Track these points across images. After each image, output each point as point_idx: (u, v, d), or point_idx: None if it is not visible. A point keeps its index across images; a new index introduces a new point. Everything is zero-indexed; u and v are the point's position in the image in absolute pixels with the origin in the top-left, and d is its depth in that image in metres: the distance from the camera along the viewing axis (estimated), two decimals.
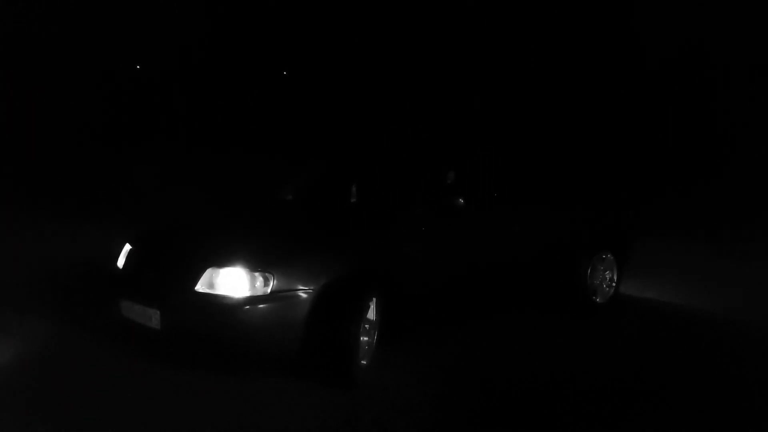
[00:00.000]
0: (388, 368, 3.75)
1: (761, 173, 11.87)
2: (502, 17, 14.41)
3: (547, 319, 5.00)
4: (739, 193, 11.39)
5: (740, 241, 8.67)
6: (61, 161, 12.92)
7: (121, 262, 3.98)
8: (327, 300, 3.42)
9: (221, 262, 3.41)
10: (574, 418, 3.28)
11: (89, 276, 5.29)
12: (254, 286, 3.33)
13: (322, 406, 3.28)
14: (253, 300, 3.32)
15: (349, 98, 15.25)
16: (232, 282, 3.34)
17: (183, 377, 3.56)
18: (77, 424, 3.03)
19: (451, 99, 14.82)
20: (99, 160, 13.31)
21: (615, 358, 4.21)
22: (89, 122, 14.40)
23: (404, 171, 4.79)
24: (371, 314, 3.67)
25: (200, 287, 3.39)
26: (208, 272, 3.40)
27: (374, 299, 3.67)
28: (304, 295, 3.39)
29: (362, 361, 3.57)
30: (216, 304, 3.33)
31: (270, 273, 3.36)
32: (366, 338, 3.62)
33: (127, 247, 4.03)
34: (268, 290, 3.34)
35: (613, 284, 5.31)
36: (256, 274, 3.35)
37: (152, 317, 3.48)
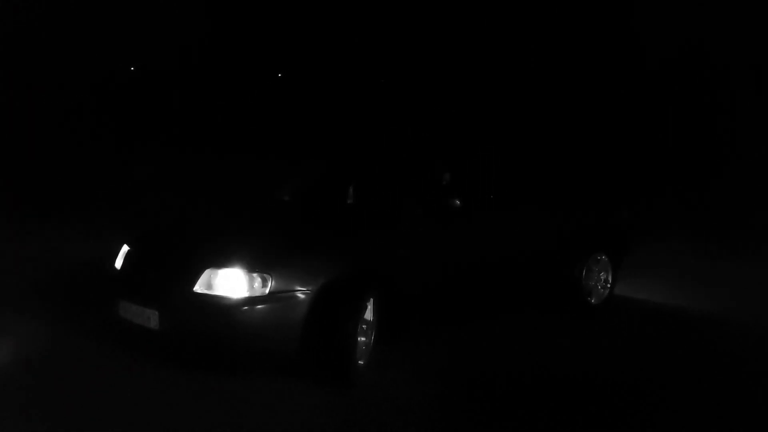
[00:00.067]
0: (385, 368, 3.78)
1: (761, 174, 11.92)
2: (501, 17, 14.45)
3: (542, 319, 5.04)
4: (738, 193, 11.45)
5: (737, 242, 8.72)
6: (59, 162, 12.91)
7: (118, 263, 3.99)
8: (325, 300, 3.45)
9: (220, 262, 3.44)
10: (572, 418, 3.31)
11: (87, 277, 5.30)
12: (252, 287, 3.36)
13: (320, 406, 3.30)
14: (251, 301, 3.35)
15: (346, 99, 15.27)
16: (230, 283, 3.37)
17: (181, 378, 3.58)
18: (77, 424, 3.04)
19: (448, 100, 14.86)
20: (97, 160, 13.30)
21: (611, 358, 4.25)
22: (87, 122, 14.39)
23: (401, 172, 4.82)
24: (368, 314, 3.70)
25: (199, 288, 3.41)
26: (207, 273, 3.42)
27: (371, 300, 3.70)
28: (302, 296, 3.42)
29: (360, 361, 3.60)
30: (214, 304, 3.36)
31: (268, 274, 3.39)
32: (363, 338, 3.65)
33: (125, 248, 4.04)
34: (267, 291, 3.37)
35: (608, 285, 5.35)
36: (255, 274, 3.38)
37: (150, 318, 3.50)
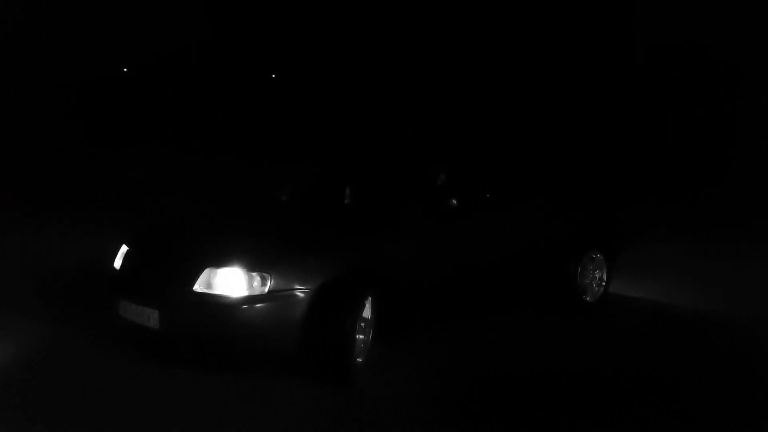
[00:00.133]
0: (384, 366, 3.82)
1: (759, 173, 12.00)
2: (497, 16, 14.49)
3: (538, 318, 5.08)
4: (734, 193, 11.53)
5: (734, 242, 8.80)
6: (58, 162, 12.90)
7: (118, 263, 4.01)
8: (323, 299, 3.48)
9: (219, 262, 3.46)
10: (571, 416, 3.34)
11: (86, 277, 5.31)
12: (252, 286, 3.39)
13: (319, 404, 3.33)
14: (250, 299, 3.37)
15: (343, 100, 15.29)
16: (229, 282, 3.40)
17: (181, 377, 3.59)
18: (77, 424, 3.05)
19: (444, 100, 14.89)
20: (95, 160, 13.29)
21: (608, 356, 4.30)
22: (85, 123, 14.36)
23: (398, 172, 4.86)
24: (367, 313, 3.73)
25: (198, 287, 3.44)
26: (206, 272, 3.45)
27: (370, 298, 3.73)
28: (301, 295, 3.45)
29: (358, 359, 3.63)
30: (214, 303, 3.39)
31: (267, 273, 3.41)
32: (362, 336, 3.68)
33: (124, 247, 4.06)
34: (266, 290, 3.40)
35: (603, 283, 5.40)
36: (254, 273, 3.41)
37: (150, 317, 3.52)
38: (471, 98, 14.71)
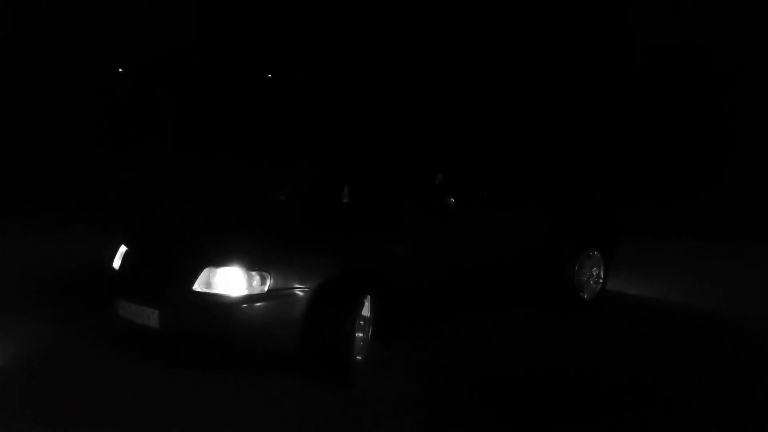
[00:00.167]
0: (383, 364, 3.84)
1: (758, 173, 12.05)
2: (496, 15, 14.50)
3: (536, 315, 5.11)
4: (734, 193, 11.58)
5: (731, 240, 8.85)
6: (56, 163, 12.89)
7: (116, 263, 4.01)
8: (323, 298, 3.49)
9: (218, 261, 3.47)
10: (569, 413, 3.35)
11: (85, 277, 5.32)
12: (251, 285, 3.40)
13: (319, 402, 3.34)
14: (250, 298, 3.38)
15: (341, 100, 15.29)
16: (229, 281, 3.41)
17: (181, 376, 3.60)
18: (77, 424, 3.05)
19: (441, 99, 14.91)
20: (94, 161, 13.28)
21: (606, 353, 4.33)
22: (83, 124, 14.35)
23: (396, 171, 4.88)
24: (366, 311, 3.75)
25: (198, 286, 3.44)
26: (206, 272, 3.46)
27: (369, 297, 3.75)
28: (300, 294, 3.47)
29: (358, 357, 3.64)
30: (214, 302, 3.39)
31: (266, 272, 3.43)
32: (361, 335, 3.69)
33: (123, 247, 4.07)
34: (265, 289, 3.41)
35: (600, 281, 5.43)
36: (253, 273, 3.42)
37: (150, 317, 3.52)
38: (469, 97, 14.73)
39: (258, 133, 15.03)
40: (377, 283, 3.81)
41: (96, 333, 4.18)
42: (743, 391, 3.69)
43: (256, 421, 3.14)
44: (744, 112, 13.16)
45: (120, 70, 16.41)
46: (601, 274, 5.43)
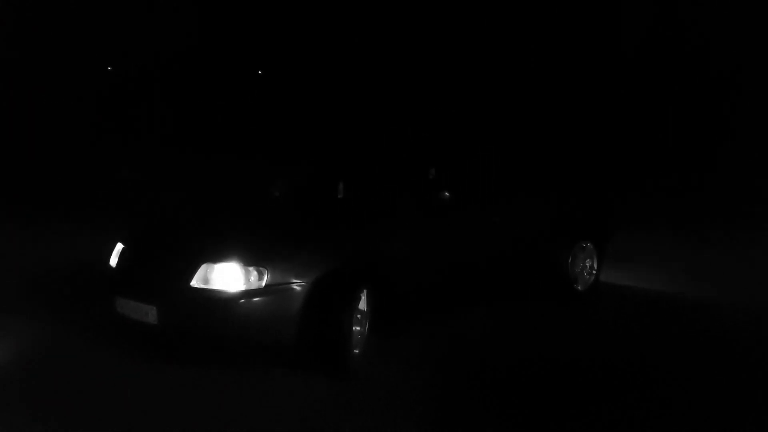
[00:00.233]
0: (380, 357, 3.87)
1: (750, 166, 12.13)
2: (487, 10, 14.51)
3: (531, 307, 5.16)
4: (724, 184, 11.66)
5: (722, 232, 8.93)
6: (52, 162, 12.85)
7: (114, 261, 4.03)
8: (320, 292, 3.52)
9: (216, 257, 3.50)
10: (563, 403, 3.39)
11: (82, 275, 5.32)
12: (249, 281, 3.43)
13: (317, 396, 3.37)
14: (248, 294, 3.41)
15: (335, 96, 15.28)
16: (227, 277, 3.43)
17: (180, 371, 3.63)
18: (77, 423, 3.03)
19: (435, 94, 14.93)
20: (89, 160, 13.25)
21: (601, 343, 4.39)
22: (78, 123, 14.30)
23: (391, 166, 4.91)
24: (363, 305, 3.78)
25: (196, 282, 3.47)
26: (203, 268, 3.48)
27: (365, 290, 3.78)
28: (297, 288, 3.50)
29: (355, 351, 3.67)
30: (212, 298, 3.42)
31: (264, 267, 3.45)
32: (358, 328, 3.73)
33: (120, 245, 4.09)
34: (263, 284, 3.44)
35: (594, 272, 5.49)
36: (251, 268, 3.44)
37: (148, 313, 3.54)
38: (463, 92, 14.75)
39: (253, 131, 15.01)
40: (374, 278, 3.85)
41: (95, 331, 4.19)
42: (733, 377, 3.74)
43: (254, 413, 3.16)
44: (739, 107, 13.22)
45: (109, 68, 16.30)
46: (595, 266, 5.49)
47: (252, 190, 5.55)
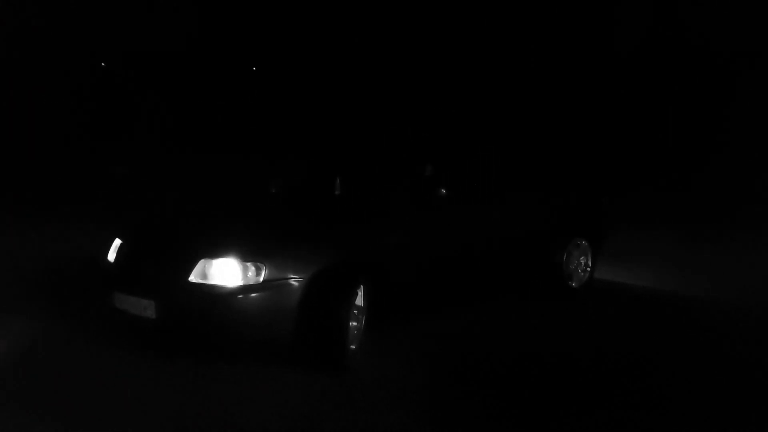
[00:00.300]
0: (376, 352, 3.90)
1: (744, 164, 12.19)
2: (486, 9, 14.51)
3: (526, 304, 5.20)
4: (719, 185, 11.72)
5: (717, 230, 8.99)
6: (48, 159, 12.82)
7: (111, 256, 4.05)
8: (317, 288, 3.55)
9: (214, 252, 3.52)
10: (558, 398, 3.43)
11: (79, 271, 5.33)
12: (247, 276, 3.46)
13: (315, 390, 3.39)
14: (246, 289, 3.44)
15: (332, 93, 15.27)
16: (225, 272, 3.46)
17: (178, 366, 3.64)
18: (76, 423, 3.01)
19: (431, 92, 14.93)
20: (84, 157, 13.22)
21: (595, 338, 4.43)
22: (70, 120, 14.26)
23: (387, 163, 4.94)
24: (359, 300, 3.81)
25: (194, 278, 3.50)
26: (201, 263, 3.51)
27: (362, 286, 3.81)
28: (295, 284, 3.52)
29: (352, 346, 3.71)
30: (210, 293, 3.44)
31: (262, 263, 3.48)
32: (355, 323, 3.76)
33: (117, 241, 4.11)
34: (260, 279, 3.47)
35: (588, 269, 5.54)
36: (249, 263, 3.47)
37: (147, 308, 3.56)
38: (459, 90, 14.77)
39: (250, 127, 15.01)
40: (371, 273, 3.88)
41: (93, 327, 4.20)
42: (731, 374, 3.79)
43: (252, 408, 3.18)
44: (738, 106, 13.25)
45: (103, 64, 16.23)
46: (589, 263, 5.54)
47: (250, 186, 5.57)
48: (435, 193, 4.30)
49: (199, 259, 3.52)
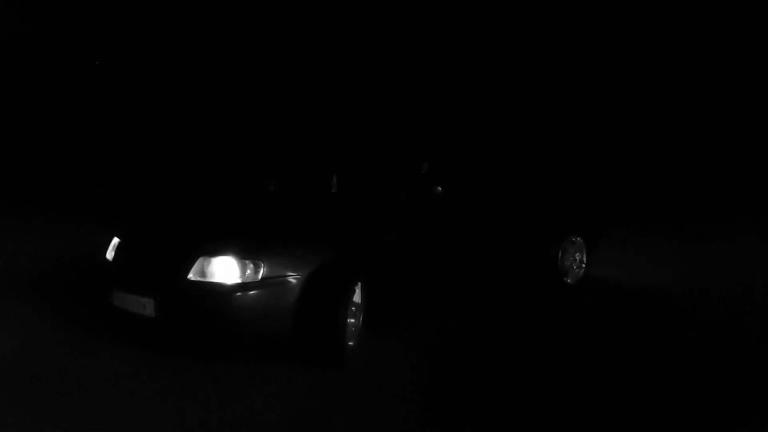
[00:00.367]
0: (374, 349, 3.94)
1: (750, 166, 12.23)
2: (483, 7, 14.50)
3: (521, 299, 5.25)
4: (723, 184, 11.78)
5: (715, 228, 9.06)
6: (44, 159, 12.80)
7: (110, 255, 4.08)
8: (315, 285, 3.59)
9: (213, 251, 3.55)
10: (552, 393, 3.46)
11: (78, 270, 5.35)
12: (245, 274, 3.49)
13: (312, 387, 3.42)
14: (244, 287, 3.48)
15: (329, 92, 15.26)
16: (224, 270, 3.49)
17: (176, 364, 3.67)
18: (76, 422, 3.00)
19: (428, 90, 14.94)
20: (81, 157, 13.20)
21: (590, 332, 4.50)
22: (68, 119, 14.21)
23: (384, 161, 4.98)
24: (357, 297, 3.85)
25: (193, 275, 3.53)
26: (200, 261, 3.54)
27: (360, 283, 3.85)
28: (293, 281, 3.56)
29: (350, 343, 3.75)
30: (209, 291, 3.48)
31: (260, 260, 3.52)
32: (352, 320, 3.80)
33: (116, 239, 4.14)
34: (259, 277, 3.50)
35: (583, 266, 5.59)
36: (247, 261, 3.51)
37: (146, 306, 3.59)
38: (457, 88, 14.78)
39: (247, 125, 15.00)
40: (368, 271, 3.92)
41: (92, 325, 4.22)
42: (727, 367, 3.84)
43: (250, 405, 3.21)
44: (734, 106, 13.28)
45: (97, 62, 16.16)
46: (584, 260, 5.59)
47: (248, 185, 5.60)
48: (431, 190, 4.34)
49: (198, 257, 3.55)
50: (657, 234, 8.61)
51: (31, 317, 4.47)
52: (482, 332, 4.46)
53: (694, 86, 13.86)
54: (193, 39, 15.20)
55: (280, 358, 3.73)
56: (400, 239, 4.21)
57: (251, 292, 3.49)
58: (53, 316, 4.51)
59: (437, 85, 14.92)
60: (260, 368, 3.63)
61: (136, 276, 3.77)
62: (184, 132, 14.53)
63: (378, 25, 14.87)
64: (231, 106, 15.34)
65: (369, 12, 14.75)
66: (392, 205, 4.35)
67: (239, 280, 3.48)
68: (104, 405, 3.20)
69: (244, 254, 3.52)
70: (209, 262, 3.53)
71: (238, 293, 3.47)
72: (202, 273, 3.53)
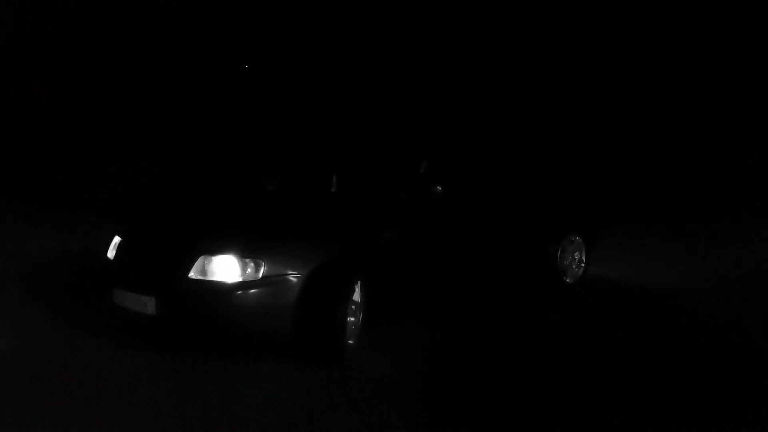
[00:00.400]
0: (373, 348, 3.95)
1: (749, 166, 12.24)
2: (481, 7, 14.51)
3: (521, 299, 5.25)
4: (722, 184, 11.79)
5: (715, 228, 9.06)
6: (44, 159, 12.81)
7: (111, 254, 4.09)
8: (315, 284, 3.60)
9: (213, 249, 3.57)
10: (552, 391, 3.47)
11: (78, 268, 5.36)
12: (246, 272, 3.51)
13: (313, 385, 3.43)
14: (245, 285, 3.49)
15: (328, 92, 15.27)
16: (224, 268, 3.51)
17: (177, 362, 3.68)
18: (76, 422, 2.99)
19: (427, 90, 14.95)
20: (81, 157, 13.21)
21: (589, 331, 4.50)
22: (67, 120, 14.22)
23: (383, 161, 4.99)
24: (356, 296, 3.86)
25: (194, 274, 3.54)
26: (201, 260, 3.55)
27: (359, 282, 3.86)
28: (293, 280, 3.57)
29: (349, 341, 3.76)
30: (210, 289, 3.49)
31: (260, 259, 3.53)
32: (352, 319, 3.81)
33: (117, 238, 4.15)
34: (259, 275, 3.51)
35: (582, 265, 5.60)
36: (248, 260, 3.52)
37: (147, 304, 3.61)
38: (456, 87, 14.79)
39: (246, 125, 15.00)
40: (368, 269, 3.93)
41: (91, 322, 4.23)
42: (726, 366, 3.85)
43: (251, 403, 3.21)
44: (735, 105, 13.27)
45: (97, 61, 16.13)
46: (583, 259, 5.60)
47: (248, 184, 5.61)
48: (431, 190, 4.35)
49: (199, 255, 3.56)
50: (657, 234, 8.62)
51: (31, 316, 4.48)
52: (482, 332, 4.47)
53: (694, 86, 13.85)
54: (193, 39, 15.20)
55: (280, 358, 3.74)
56: (399, 238, 4.22)
57: (252, 291, 3.50)
58: (54, 315, 4.52)
59: (437, 85, 14.93)
60: (260, 368, 3.64)
61: (137, 274, 3.79)
62: (184, 132, 14.53)
63: (378, 25, 14.87)
64: (231, 106, 15.34)
65: (369, 12, 14.76)
66: (392, 204, 4.36)
67: (240, 279, 3.49)
68: (104, 404, 3.20)
69: (244, 253, 3.54)
70: (210, 261, 3.54)
71: (239, 292, 3.48)
72: (203, 272, 3.54)
